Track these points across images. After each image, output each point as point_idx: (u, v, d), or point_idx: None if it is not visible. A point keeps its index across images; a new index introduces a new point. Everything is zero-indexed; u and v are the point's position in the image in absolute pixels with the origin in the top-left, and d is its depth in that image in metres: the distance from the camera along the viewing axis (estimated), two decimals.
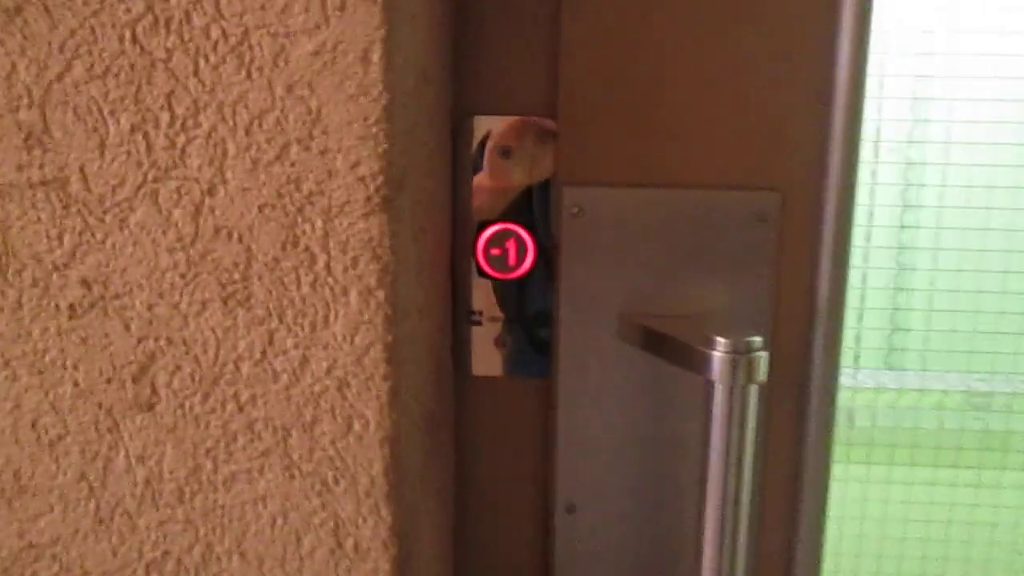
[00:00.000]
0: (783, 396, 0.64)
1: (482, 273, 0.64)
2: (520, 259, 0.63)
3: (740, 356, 0.54)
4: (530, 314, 0.65)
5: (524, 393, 0.67)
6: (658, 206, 0.62)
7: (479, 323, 0.65)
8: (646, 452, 0.65)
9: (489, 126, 0.62)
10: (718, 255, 0.62)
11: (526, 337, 0.65)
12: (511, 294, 0.64)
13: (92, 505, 0.53)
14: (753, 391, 0.54)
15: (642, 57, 0.61)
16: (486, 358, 0.66)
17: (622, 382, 0.64)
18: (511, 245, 0.63)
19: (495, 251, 0.63)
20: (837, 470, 0.73)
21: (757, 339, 0.54)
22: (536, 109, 0.62)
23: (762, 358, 0.54)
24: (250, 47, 0.47)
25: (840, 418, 0.78)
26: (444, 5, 0.59)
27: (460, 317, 0.66)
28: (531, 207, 0.63)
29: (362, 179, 0.48)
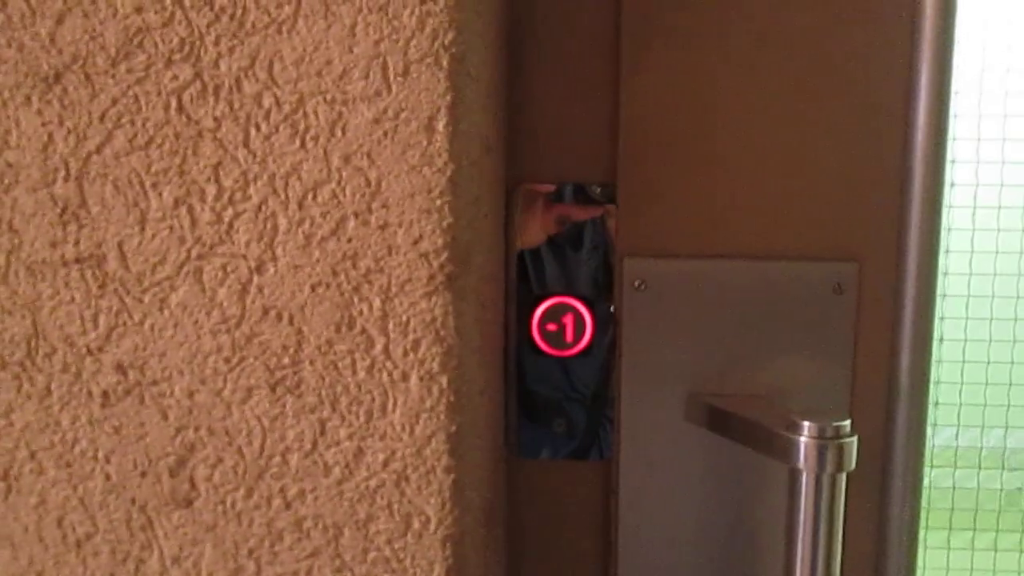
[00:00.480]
0: (864, 480, 0.59)
1: (537, 350, 0.59)
2: (578, 335, 0.59)
3: (828, 442, 0.49)
4: (590, 393, 0.60)
5: (583, 478, 0.63)
6: (726, 278, 0.58)
7: (535, 404, 0.61)
8: (716, 541, 0.60)
9: (545, 194, 0.59)
10: (792, 329, 0.58)
11: (585, 418, 0.61)
12: (569, 372, 0.60)
13: None
14: (842, 480, 0.50)
15: (707, 123, 0.57)
16: (542, 440, 0.62)
17: (689, 466, 0.60)
18: (568, 320, 0.59)
19: (551, 326, 0.59)
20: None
21: (846, 423, 0.50)
22: (594, 176, 0.59)
23: (851, 443, 0.50)
24: (305, 115, 0.44)
25: None
26: (503, 67, 0.56)
27: (512, 397, 0.62)
28: (585, 280, 0.59)
29: (425, 255, 0.44)
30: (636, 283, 0.58)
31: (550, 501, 0.63)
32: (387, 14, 0.43)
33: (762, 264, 0.58)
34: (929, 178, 0.55)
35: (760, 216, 0.58)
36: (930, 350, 0.57)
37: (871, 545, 0.60)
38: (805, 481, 0.50)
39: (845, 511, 0.59)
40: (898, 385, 0.58)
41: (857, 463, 0.57)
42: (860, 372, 0.58)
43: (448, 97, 0.43)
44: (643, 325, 0.58)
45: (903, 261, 0.56)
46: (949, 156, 0.57)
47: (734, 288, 0.58)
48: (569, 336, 0.59)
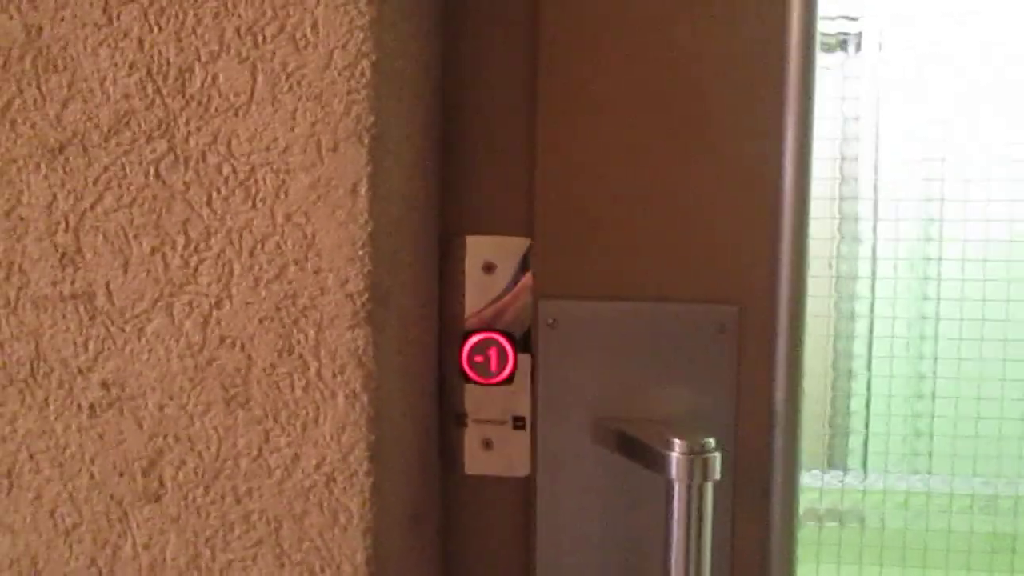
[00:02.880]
0: (748, 494, 0.68)
1: (467, 378, 0.69)
2: (502, 366, 0.68)
3: (695, 456, 0.58)
4: (511, 417, 0.70)
5: (508, 492, 0.72)
6: (627, 317, 0.67)
7: (465, 425, 0.70)
8: (621, 549, 0.69)
9: (474, 245, 0.69)
10: (683, 363, 0.67)
11: (508, 439, 0.70)
12: (495, 398, 0.70)
13: None
14: (708, 489, 0.59)
15: (610, 182, 0.67)
16: (474, 458, 0.71)
17: (597, 482, 0.69)
18: (493, 353, 0.68)
19: (478, 358, 0.69)
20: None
21: (710, 440, 0.59)
22: (517, 230, 0.69)
23: (715, 458, 0.59)
24: (255, 181, 0.54)
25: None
26: (428, 140, 0.67)
27: (449, 420, 0.71)
28: (508, 319, 0.69)
29: (350, 295, 0.54)
30: (549, 321, 0.68)
31: (481, 511, 0.72)
32: (320, 101, 0.53)
33: (656, 305, 0.67)
34: (796, 233, 0.65)
35: (655, 265, 0.68)
36: (801, 382, 0.66)
37: (758, 549, 0.69)
38: (677, 491, 0.59)
39: (733, 521, 0.68)
40: (774, 412, 0.67)
41: (740, 480, 0.66)
42: (743, 401, 0.68)
43: (368, 168, 0.54)
44: (555, 358, 0.68)
45: (775, 305, 0.66)
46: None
47: (633, 326, 0.67)
48: (493, 366, 0.69)
